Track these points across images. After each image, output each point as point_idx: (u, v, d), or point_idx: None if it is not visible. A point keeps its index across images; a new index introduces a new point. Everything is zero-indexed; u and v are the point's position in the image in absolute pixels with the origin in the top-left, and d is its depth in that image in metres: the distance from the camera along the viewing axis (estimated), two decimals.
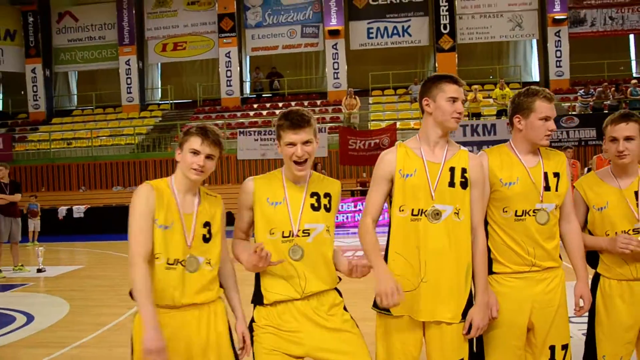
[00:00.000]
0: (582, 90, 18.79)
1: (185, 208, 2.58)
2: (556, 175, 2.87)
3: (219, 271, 2.68)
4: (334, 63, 22.20)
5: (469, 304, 2.69)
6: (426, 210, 2.65)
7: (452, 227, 2.67)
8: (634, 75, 22.27)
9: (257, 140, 17.43)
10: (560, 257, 2.87)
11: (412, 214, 2.66)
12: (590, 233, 2.97)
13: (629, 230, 2.88)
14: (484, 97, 19.12)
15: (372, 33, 22.60)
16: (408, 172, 2.69)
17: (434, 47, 22.20)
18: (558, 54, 21.57)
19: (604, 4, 21.83)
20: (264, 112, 21.72)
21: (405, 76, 22.10)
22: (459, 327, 2.67)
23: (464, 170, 2.70)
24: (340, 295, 2.77)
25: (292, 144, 2.60)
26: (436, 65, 22.02)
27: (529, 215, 2.77)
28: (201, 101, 23.69)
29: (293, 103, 21.63)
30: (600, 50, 22.24)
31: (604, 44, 22.52)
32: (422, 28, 22.50)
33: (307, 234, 2.66)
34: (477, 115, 17.89)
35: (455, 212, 2.67)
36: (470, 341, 2.74)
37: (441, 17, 21.73)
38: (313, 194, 2.72)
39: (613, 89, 18.11)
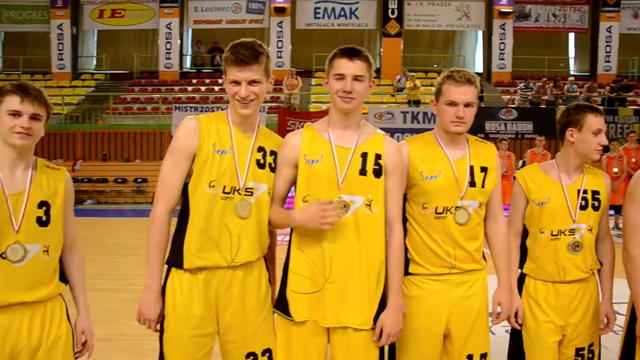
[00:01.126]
0: (523, 84, 19.02)
1: (11, 187, 2.12)
2: (484, 170, 2.58)
3: (64, 260, 2.25)
4: (278, 41, 21.65)
5: (382, 307, 2.40)
6: (332, 202, 2.32)
7: (363, 220, 2.37)
8: (572, 72, 22.74)
9: None
10: (484, 258, 2.64)
11: None
12: (525, 228, 2.74)
13: (565, 230, 2.65)
14: (425, 86, 19.06)
15: (319, 13, 22.17)
16: (313, 158, 2.39)
17: (381, 31, 21.97)
18: (502, 46, 21.81)
19: (548, 1, 22.14)
20: (203, 88, 21.00)
21: None
22: (369, 333, 2.39)
23: (378, 157, 2.41)
24: (267, 268, 2.50)
25: (236, 83, 2.30)
26: (381, 50, 21.82)
27: (450, 213, 2.52)
28: (138, 73, 22.64)
29: None
30: (541, 46, 22.59)
31: (546, 40, 22.90)
32: (370, 11, 22.21)
33: (249, 194, 2.35)
34: (417, 103, 17.78)
35: (366, 204, 2.37)
36: (381, 349, 2.45)
37: (389, 1, 21.49)
38: (260, 149, 2.41)
39: (552, 84, 18.37)
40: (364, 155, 2.39)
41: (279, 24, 21.66)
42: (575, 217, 2.68)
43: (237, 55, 2.27)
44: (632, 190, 2.63)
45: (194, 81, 21.95)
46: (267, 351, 2.43)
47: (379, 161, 2.40)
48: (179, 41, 22.07)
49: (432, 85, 19.13)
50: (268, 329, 2.45)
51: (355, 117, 2.44)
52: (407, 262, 2.56)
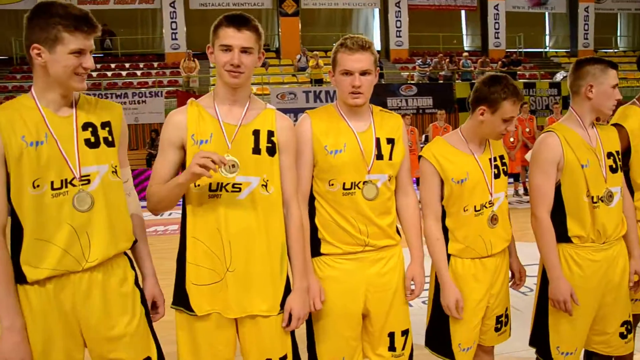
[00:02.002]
0: (420, 60, 19.43)
1: None
2: (390, 141, 2.42)
3: None
4: (171, 22, 20.65)
5: (288, 291, 2.28)
6: (226, 184, 2.16)
7: (260, 202, 2.21)
8: (465, 48, 23.61)
9: None
10: (398, 232, 2.54)
11: (210, 189, 2.17)
12: (444, 210, 2.57)
13: (486, 203, 2.54)
14: (327, 64, 18.94)
15: None
16: (202, 138, 2.19)
17: (277, 10, 21.58)
18: (398, 24, 22.14)
19: None
20: (94, 74, 19.67)
21: None
22: (278, 319, 2.26)
23: (270, 134, 2.25)
24: (132, 264, 2.17)
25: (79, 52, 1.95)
26: (279, 30, 21.48)
27: (358, 189, 2.38)
28: (18, 59, 20.85)
29: (127, 64, 19.98)
30: (436, 24, 23.17)
31: (440, 17, 23.51)
32: None
33: (86, 182, 2.00)
34: (320, 82, 17.68)
35: (262, 185, 2.21)
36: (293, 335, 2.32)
37: None
38: (86, 125, 2.04)
39: (447, 60, 18.91)
40: (256, 133, 2.22)
41: (172, 4, 20.60)
42: (492, 188, 2.58)
43: (78, 23, 1.92)
44: (535, 157, 2.64)
45: None
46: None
47: (272, 138, 2.24)
48: None
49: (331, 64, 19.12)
50: (144, 335, 2.14)
51: (244, 91, 2.25)
52: (318, 242, 2.42)
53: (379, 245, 2.43)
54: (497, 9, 22.83)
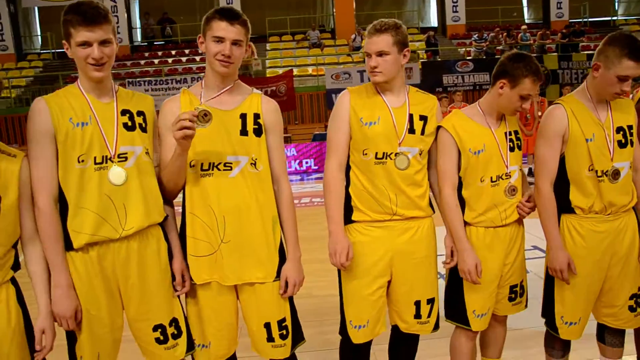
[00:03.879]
0: (477, 35, 18.99)
1: None
2: (423, 118, 2.61)
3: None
4: None
5: (282, 260, 2.49)
6: (219, 164, 2.37)
7: (250, 179, 2.41)
8: (526, 21, 22.82)
9: (147, 90, 16.38)
10: (432, 207, 2.70)
11: (202, 169, 2.38)
12: (461, 180, 2.67)
13: (502, 174, 2.65)
14: None
15: None
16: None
17: None
18: None
19: None
20: (156, 61, 20.42)
21: (303, 21, 21.46)
22: (274, 285, 2.46)
23: (256, 116, 2.43)
24: (166, 236, 2.42)
25: (86, 44, 2.16)
26: (334, 10, 21.45)
27: (390, 159, 2.57)
28: None
29: (187, 50, 20.57)
30: None
31: None
32: None
33: (124, 159, 2.28)
34: None
35: (251, 163, 2.41)
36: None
37: None
38: (125, 112, 2.32)
39: (505, 34, 18.39)
40: (243, 117, 2.40)
41: None
42: (507, 161, 2.67)
43: (84, 15, 2.14)
44: (541, 128, 2.69)
45: (146, 54, 21.29)
46: (174, 321, 2.42)
47: (258, 120, 2.42)
48: (125, 14, 21.30)
49: None
50: (172, 299, 2.42)
51: (231, 79, 2.42)
52: (350, 210, 2.61)
53: (407, 215, 2.59)
54: None
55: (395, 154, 2.55)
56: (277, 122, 2.50)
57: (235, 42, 2.31)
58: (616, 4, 23.99)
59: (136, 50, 21.72)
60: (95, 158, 2.22)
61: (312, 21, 21.08)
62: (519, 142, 2.74)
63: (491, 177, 2.64)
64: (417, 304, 2.68)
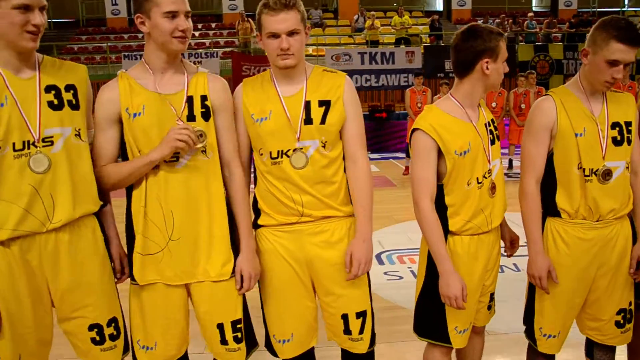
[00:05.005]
0: (482, 21, 18.60)
1: None
2: (324, 104, 2.26)
3: None
4: None
5: (237, 254, 2.29)
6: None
7: (199, 168, 2.20)
8: (534, 8, 22.41)
9: None
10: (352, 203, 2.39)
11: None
12: (441, 187, 2.34)
13: (485, 173, 2.35)
14: (384, 25, 18.52)
15: None
16: (136, 111, 2.16)
17: None
18: None
19: None
20: None
21: (306, 0, 20.99)
22: (229, 283, 2.27)
23: (204, 98, 2.22)
24: (101, 224, 2.21)
25: (26, 7, 1.93)
26: None
27: (287, 157, 2.27)
28: (84, 21, 21.47)
29: (199, 25, 20.17)
30: None
31: None
32: None
33: (49, 143, 2.03)
34: (375, 43, 17.28)
35: (202, 151, 2.19)
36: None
37: None
38: (50, 88, 2.06)
39: (510, 21, 18.02)
40: (190, 100, 2.20)
41: None
42: (490, 156, 2.38)
43: None
44: (528, 122, 2.45)
45: None
46: (113, 321, 2.23)
47: (206, 102, 2.21)
48: None
49: (390, 25, 18.68)
50: (111, 296, 2.22)
51: (177, 59, 2.22)
52: (257, 213, 2.38)
53: (317, 215, 2.30)
54: None
55: (294, 151, 2.25)
56: (226, 102, 2.27)
57: (188, 15, 2.14)
58: None
59: (134, 23, 21.30)
60: (14, 144, 1.96)
61: (314, 0, 20.65)
62: (496, 132, 2.46)
63: (477, 178, 2.33)
64: (345, 317, 2.37)
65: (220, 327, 2.28)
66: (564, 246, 2.43)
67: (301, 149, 2.25)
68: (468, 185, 2.32)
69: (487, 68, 2.27)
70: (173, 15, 2.08)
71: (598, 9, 21.81)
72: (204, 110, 2.20)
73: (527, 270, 2.48)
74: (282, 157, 2.26)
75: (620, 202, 2.42)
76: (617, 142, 2.38)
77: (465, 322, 2.44)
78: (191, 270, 2.22)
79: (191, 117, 2.18)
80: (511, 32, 17.67)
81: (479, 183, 2.34)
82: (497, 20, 18.07)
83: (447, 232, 2.36)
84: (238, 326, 2.30)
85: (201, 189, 2.19)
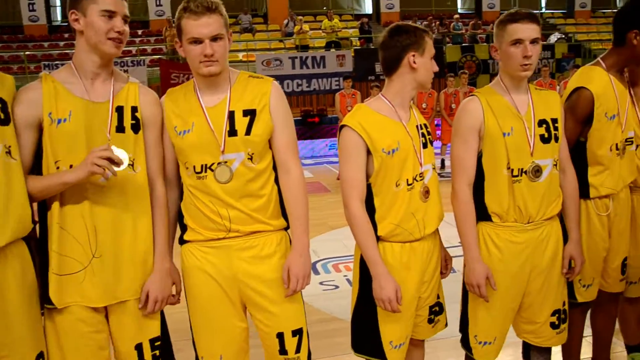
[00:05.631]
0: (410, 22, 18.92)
1: None
2: (248, 113, 2.14)
3: None
4: None
5: None
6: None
7: (126, 183, 2.08)
8: (459, 11, 23.01)
9: None
10: (284, 217, 2.29)
11: None
12: (370, 188, 2.25)
13: (416, 176, 2.25)
14: (314, 29, 18.52)
15: None
16: (62, 117, 2.01)
17: None
18: None
19: None
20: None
21: (235, 4, 20.73)
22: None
23: (134, 109, 2.12)
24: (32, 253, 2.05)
25: None
26: None
27: (211, 171, 2.16)
28: None
29: None
30: None
31: None
32: None
33: None
34: (306, 48, 17.23)
35: (129, 164, 2.05)
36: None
37: None
38: None
39: (438, 23, 18.41)
40: (120, 110, 2.09)
41: None
42: (422, 159, 2.31)
43: None
44: (455, 124, 2.41)
45: (66, 35, 20.03)
46: (41, 356, 2.05)
47: (136, 114, 2.13)
48: None
49: (320, 28, 18.67)
50: (39, 329, 2.04)
51: (110, 65, 2.12)
52: (184, 228, 2.27)
53: (245, 230, 2.19)
54: None
55: (218, 164, 2.14)
56: (156, 116, 2.18)
57: (125, 18, 2.06)
58: None
59: (55, 31, 20.41)
60: None
61: (244, 5, 20.43)
62: (429, 136, 2.39)
63: (407, 180, 2.26)
64: (280, 336, 2.27)
65: (139, 347, 2.16)
66: (496, 251, 2.39)
67: (225, 162, 2.14)
68: (397, 186, 2.25)
69: (414, 62, 2.23)
70: (110, 15, 2.00)
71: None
72: (134, 122, 2.10)
73: (464, 279, 2.41)
74: (206, 171, 2.14)
75: (550, 202, 2.39)
76: (544, 140, 2.36)
77: (400, 336, 2.34)
78: (113, 289, 2.09)
79: (120, 129, 2.07)
80: (439, 33, 18.05)
81: (408, 185, 2.26)
82: (425, 22, 18.40)
83: (377, 238, 2.26)
84: (156, 344, 2.19)
85: (127, 204, 2.08)
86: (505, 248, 2.38)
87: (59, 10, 21.37)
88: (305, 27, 17.55)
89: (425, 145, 2.33)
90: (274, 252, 2.24)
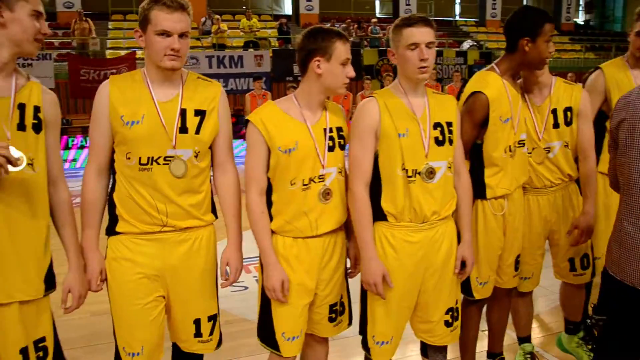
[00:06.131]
0: (328, 25, 19.07)
1: None
2: (199, 113, 2.25)
3: None
4: None
5: (50, 272, 2.14)
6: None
7: (24, 182, 2.03)
8: (377, 15, 23.50)
9: None
10: (214, 213, 2.40)
11: None
12: (270, 182, 2.31)
13: (315, 177, 2.29)
14: (232, 28, 18.32)
15: None
16: None
17: None
18: None
19: None
20: None
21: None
22: (42, 301, 2.11)
23: (37, 109, 2.09)
24: None
25: None
26: None
27: (158, 165, 2.20)
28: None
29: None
30: None
31: None
32: None
33: None
34: (222, 47, 17.00)
35: (28, 163, 2.01)
36: None
37: None
38: None
39: (356, 26, 18.68)
40: (22, 107, 2.04)
41: None
42: (325, 161, 2.32)
43: None
44: (353, 125, 2.43)
45: None
46: None
47: (38, 114, 2.09)
48: None
49: (238, 27, 18.50)
50: None
51: (13, 63, 2.05)
52: (115, 219, 2.28)
53: (180, 226, 2.27)
54: None
55: (165, 159, 2.20)
56: (57, 118, 2.18)
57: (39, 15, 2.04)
58: (456, 6, 25.52)
59: None
60: None
61: None
62: (341, 140, 2.40)
63: (303, 180, 2.29)
64: (197, 322, 2.39)
65: (24, 351, 2.07)
66: (391, 250, 2.41)
67: (177, 156, 2.21)
68: (292, 184, 2.30)
69: (319, 67, 2.26)
70: (38, 15, 2.01)
71: (434, 17, 23.37)
72: (36, 121, 2.06)
73: (361, 278, 2.43)
74: (152, 163, 2.19)
75: (444, 203, 2.43)
76: (439, 142, 2.41)
77: (292, 329, 2.38)
78: (5, 289, 2.01)
79: (22, 127, 2.02)
80: (356, 37, 18.33)
81: (304, 185, 2.30)
82: (343, 25, 18.65)
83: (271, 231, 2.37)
84: (40, 345, 2.12)
85: (23, 203, 2.02)
86: (401, 247, 2.40)
87: None
88: (223, 25, 17.30)
89: (331, 149, 2.35)
90: (205, 245, 2.34)
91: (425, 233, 2.40)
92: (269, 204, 2.34)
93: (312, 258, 2.36)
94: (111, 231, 2.29)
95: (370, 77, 11.97)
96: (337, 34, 2.29)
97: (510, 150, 2.71)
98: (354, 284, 2.56)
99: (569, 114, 2.85)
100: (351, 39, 14.09)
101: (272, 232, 2.35)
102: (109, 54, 17.18)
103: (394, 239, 2.40)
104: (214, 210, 2.40)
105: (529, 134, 2.84)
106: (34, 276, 2.07)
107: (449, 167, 2.44)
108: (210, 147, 2.35)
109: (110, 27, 19.26)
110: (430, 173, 2.37)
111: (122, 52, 16.58)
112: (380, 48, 18.05)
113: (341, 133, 2.41)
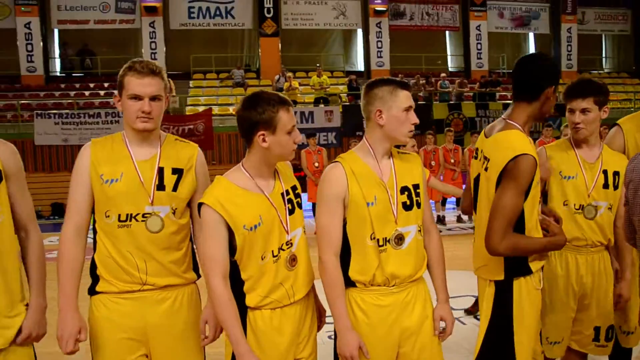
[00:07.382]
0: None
1: None
2: (177, 172, 2.30)
3: None
4: (151, 42, 20.55)
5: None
6: None
7: None
8: (449, 69, 23.55)
9: (57, 124, 15.70)
10: (195, 271, 2.46)
11: None
12: (236, 263, 2.32)
13: (283, 244, 2.30)
14: (304, 85, 18.90)
15: (193, 12, 21.23)
16: None
17: (258, 31, 21.50)
18: (379, 44, 22.04)
19: (421, 0, 22.64)
20: (72, 93, 19.58)
21: (230, 60, 21.22)
22: (17, 350, 2.19)
23: None
24: None
25: None
26: (259, 50, 21.40)
27: (137, 221, 2.28)
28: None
29: (106, 84, 19.84)
30: (419, 44, 23.06)
31: (423, 38, 23.41)
32: (246, 10, 21.56)
33: None
34: (294, 103, 17.50)
35: None
36: None
37: (264, 0, 21.00)
38: None
39: (424, 81, 18.81)
40: None
41: (151, 24, 20.50)
42: (288, 227, 2.31)
43: None
44: (319, 192, 2.38)
45: (62, 86, 20.41)
46: None
47: None
48: (41, 43, 20.29)
49: (313, 85, 19.05)
50: None
51: None
52: (96, 279, 2.34)
53: (159, 284, 2.32)
54: (479, 30, 22.79)
55: (144, 215, 2.28)
56: (18, 166, 2.26)
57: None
58: None
59: (52, 81, 20.80)
60: None
61: (237, 60, 20.91)
62: (298, 199, 2.38)
63: (272, 252, 2.25)
64: None
65: None
66: (362, 314, 2.35)
67: (154, 213, 2.29)
68: (262, 259, 2.23)
69: (264, 141, 2.19)
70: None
71: (507, 70, 23.17)
72: None
73: (337, 350, 2.35)
74: (131, 220, 2.27)
75: (417, 266, 2.39)
76: (407, 207, 2.37)
77: None
78: None
79: None
80: (425, 91, 18.44)
81: (274, 256, 2.25)
82: (413, 81, 18.85)
83: (245, 308, 2.26)
84: None
85: None
86: (371, 312, 2.34)
87: (57, 62, 21.81)
88: (295, 83, 17.91)
89: (292, 212, 2.31)
90: (185, 305, 2.38)
91: (395, 296, 2.36)
92: (240, 283, 2.24)
93: (292, 324, 2.31)
94: (92, 291, 2.33)
95: (433, 133, 11.95)
96: (281, 102, 2.19)
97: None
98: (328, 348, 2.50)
99: (617, 177, 2.83)
100: (420, 93, 14.36)
101: (250, 308, 2.26)
102: (187, 110, 18.17)
103: (364, 304, 2.35)
104: (195, 269, 2.42)
105: (577, 189, 2.83)
106: (8, 324, 2.14)
107: (419, 231, 2.40)
108: (190, 205, 2.40)
109: (191, 85, 20.38)
110: (399, 239, 2.33)
111: (200, 109, 17.49)
112: (450, 102, 18.05)
113: (297, 192, 2.38)
